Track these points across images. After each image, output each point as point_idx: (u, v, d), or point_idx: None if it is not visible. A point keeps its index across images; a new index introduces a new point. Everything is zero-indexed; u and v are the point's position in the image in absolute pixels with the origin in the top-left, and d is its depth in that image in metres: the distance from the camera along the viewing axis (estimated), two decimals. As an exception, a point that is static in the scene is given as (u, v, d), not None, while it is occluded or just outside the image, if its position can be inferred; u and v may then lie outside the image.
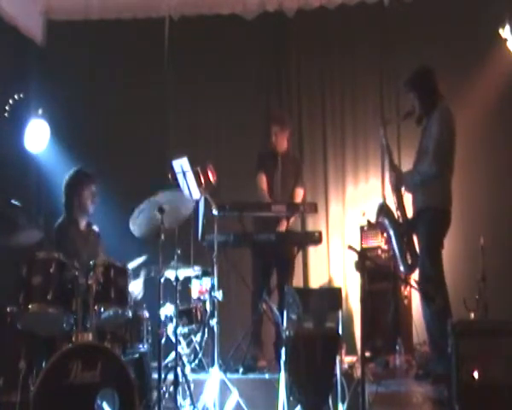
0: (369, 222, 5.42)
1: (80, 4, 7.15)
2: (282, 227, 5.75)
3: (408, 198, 5.10)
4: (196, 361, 5.24)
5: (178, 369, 4.47)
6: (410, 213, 5.05)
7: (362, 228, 6.22)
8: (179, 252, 4.73)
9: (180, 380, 4.52)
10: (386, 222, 4.96)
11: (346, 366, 5.03)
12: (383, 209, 5.01)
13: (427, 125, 5.00)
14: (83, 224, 5.24)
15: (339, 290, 5.20)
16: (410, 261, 4.89)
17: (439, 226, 4.88)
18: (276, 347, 5.55)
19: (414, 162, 5.07)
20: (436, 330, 4.67)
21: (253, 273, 5.81)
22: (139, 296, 5.07)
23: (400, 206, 5.03)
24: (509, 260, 6.25)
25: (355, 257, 5.04)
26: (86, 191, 5.17)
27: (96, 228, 5.34)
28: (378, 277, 5.72)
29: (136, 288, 5.01)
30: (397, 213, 5.00)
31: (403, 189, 5.07)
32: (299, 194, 5.96)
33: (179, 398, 4.53)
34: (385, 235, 5.36)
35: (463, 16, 6.58)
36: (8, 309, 4.19)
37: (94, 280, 4.22)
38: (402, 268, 4.94)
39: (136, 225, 4.62)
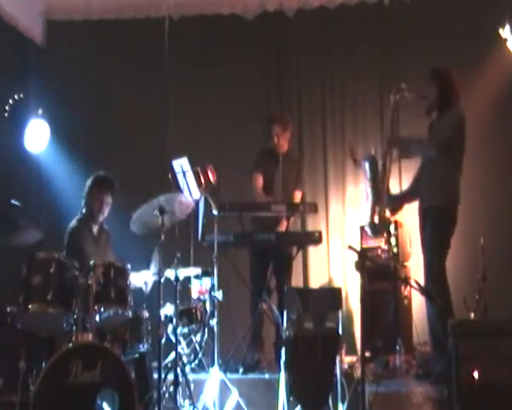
0: (354, 160, 5.27)
1: (80, 4, 7.15)
2: (282, 227, 5.74)
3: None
4: (196, 361, 5.23)
5: (178, 369, 4.47)
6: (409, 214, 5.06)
7: (362, 228, 6.23)
8: (179, 255, 4.72)
9: (180, 380, 4.51)
10: (367, 166, 4.92)
11: (346, 366, 5.02)
12: (370, 158, 4.98)
13: (436, 120, 4.99)
14: (95, 228, 5.27)
15: (339, 290, 5.19)
16: (377, 223, 4.85)
17: (445, 226, 4.86)
18: (276, 347, 5.55)
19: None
20: (439, 328, 4.66)
21: (252, 273, 5.81)
22: (149, 289, 5.06)
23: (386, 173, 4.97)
24: (509, 260, 6.25)
25: (355, 257, 5.04)
26: (106, 198, 5.21)
27: (106, 228, 5.38)
28: (378, 277, 5.72)
29: (149, 279, 5.00)
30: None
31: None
32: (298, 196, 5.96)
33: (179, 398, 4.52)
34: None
35: (463, 16, 6.57)
36: (8, 309, 4.19)
37: (94, 280, 4.22)
38: (367, 228, 4.91)
39: (136, 226, 4.63)
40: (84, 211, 5.26)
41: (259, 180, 5.90)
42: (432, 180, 4.92)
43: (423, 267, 4.96)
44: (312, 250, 6.72)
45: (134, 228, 4.67)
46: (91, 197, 5.23)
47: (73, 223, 5.22)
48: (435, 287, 4.72)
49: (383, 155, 4.99)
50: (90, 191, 5.24)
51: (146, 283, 5.04)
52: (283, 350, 4.57)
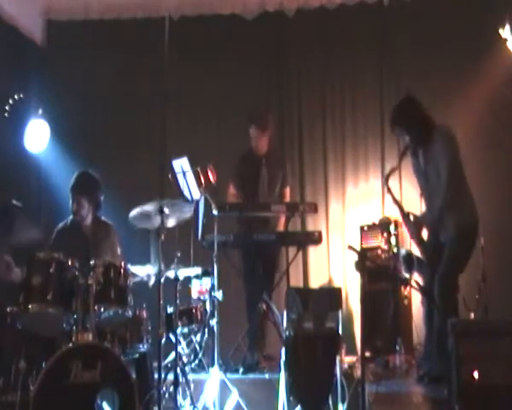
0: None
1: (80, 4, 7.16)
2: (279, 227, 5.76)
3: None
4: (196, 361, 5.23)
5: (178, 369, 4.47)
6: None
7: (362, 228, 6.23)
8: (179, 255, 4.72)
9: (180, 380, 4.52)
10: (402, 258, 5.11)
11: (346, 365, 5.02)
12: (407, 259, 5.07)
13: (426, 153, 4.79)
14: (85, 224, 5.18)
15: (339, 290, 5.19)
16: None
17: (472, 245, 4.81)
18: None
19: (423, 187, 4.93)
20: (443, 332, 4.63)
21: (245, 274, 5.80)
22: (151, 282, 5.01)
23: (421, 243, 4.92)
24: (509, 260, 6.25)
25: (355, 257, 5.02)
26: (80, 201, 5.08)
27: (106, 220, 5.27)
28: (378, 277, 5.73)
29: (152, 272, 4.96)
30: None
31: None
32: (287, 193, 5.97)
33: (179, 398, 4.52)
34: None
35: (463, 16, 6.58)
36: (8, 309, 4.19)
37: (94, 280, 4.22)
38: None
39: (136, 218, 4.62)
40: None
41: (232, 191, 5.93)
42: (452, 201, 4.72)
43: (428, 275, 4.88)
44: (312, 250, 6.72)
45: (133, 220, 4.64)
46: (71, 198, 5.12)
47: (63, 223, 5.16)
48: (450, 299, 4.66)
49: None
50: (70, 190, 5.12)
51: (149, 275, 5.01)
52: (283, 350, 4.57)
